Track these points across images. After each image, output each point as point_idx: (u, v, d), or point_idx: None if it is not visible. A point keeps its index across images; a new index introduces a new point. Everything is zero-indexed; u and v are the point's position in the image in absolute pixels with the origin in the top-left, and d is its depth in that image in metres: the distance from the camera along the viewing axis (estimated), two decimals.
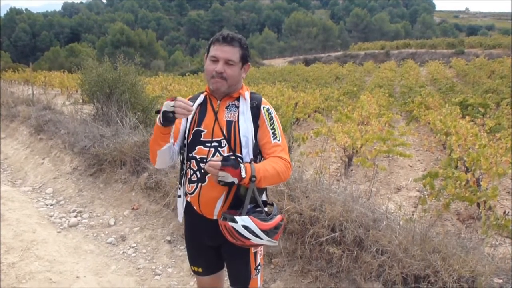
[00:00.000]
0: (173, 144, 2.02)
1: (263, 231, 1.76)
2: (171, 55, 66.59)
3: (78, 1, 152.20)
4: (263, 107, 1.97)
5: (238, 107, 1.96)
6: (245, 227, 1.74)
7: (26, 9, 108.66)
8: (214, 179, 1.75)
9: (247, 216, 1.77)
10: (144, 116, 7.21)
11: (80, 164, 5.99)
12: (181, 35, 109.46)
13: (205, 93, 2.04)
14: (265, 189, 1.99)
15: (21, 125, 8.64)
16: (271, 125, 1.95)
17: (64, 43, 78.40)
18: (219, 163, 1.71)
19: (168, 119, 1.79)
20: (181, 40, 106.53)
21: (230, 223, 1.75)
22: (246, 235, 1.74)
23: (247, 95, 1.97)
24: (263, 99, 2.01)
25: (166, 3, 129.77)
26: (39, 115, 8.11)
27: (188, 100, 2.04)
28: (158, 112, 1.85)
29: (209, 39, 2.02)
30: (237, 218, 1.75)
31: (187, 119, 2.00)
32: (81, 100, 9.79)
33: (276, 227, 1.80)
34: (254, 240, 1.76)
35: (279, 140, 1.94)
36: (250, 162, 1.83)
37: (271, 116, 1.97)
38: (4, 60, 44.70)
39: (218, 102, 1.97)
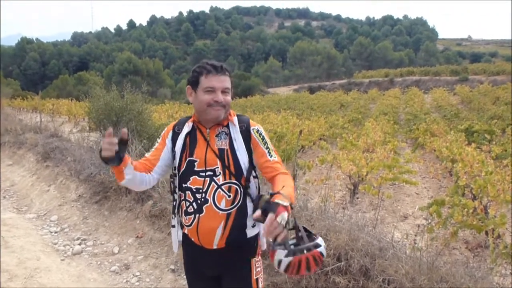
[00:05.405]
0: (150, 173, 2.00)
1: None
2: (178, 83, 67.42)
3: (87, 31, 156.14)
4: (253, 129, 1.99)
5: (227, 134, 1.97)
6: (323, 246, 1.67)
7: (37, 39, 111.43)
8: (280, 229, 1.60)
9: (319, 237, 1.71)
10: (150, 144, 7.25)
11: (86, 192, 6.00)
12: (188, 64, 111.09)
13: (192, 120, 2.03)
14: None
15: (28, 152, 8.72)
16: (264, 145, 1.97)
17: (73, 71, 79.74)
18: (276, 222, 1.56)
19: (105, 159, 1.77)
20: (188, 69, 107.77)
21: (318, 249, 1.62)
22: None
23: (235, 120, 1.99)
24: (250, 120, 2.04)
25: (173, 33, 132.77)
26: (46, 142, 8.20)
27: (174, 125, 2.05)
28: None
29: None
30: (318, 241, 1.65)
31: (174, 148, 1.99)
32: (88, 128, 9.92)
33: None
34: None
35: (275, 158, 1.97)
36: (277, 193, 1.69)
37: (263, 136, 2.00)
38: (14, 88, 45.49)
39: (208, 130, 1.97)
